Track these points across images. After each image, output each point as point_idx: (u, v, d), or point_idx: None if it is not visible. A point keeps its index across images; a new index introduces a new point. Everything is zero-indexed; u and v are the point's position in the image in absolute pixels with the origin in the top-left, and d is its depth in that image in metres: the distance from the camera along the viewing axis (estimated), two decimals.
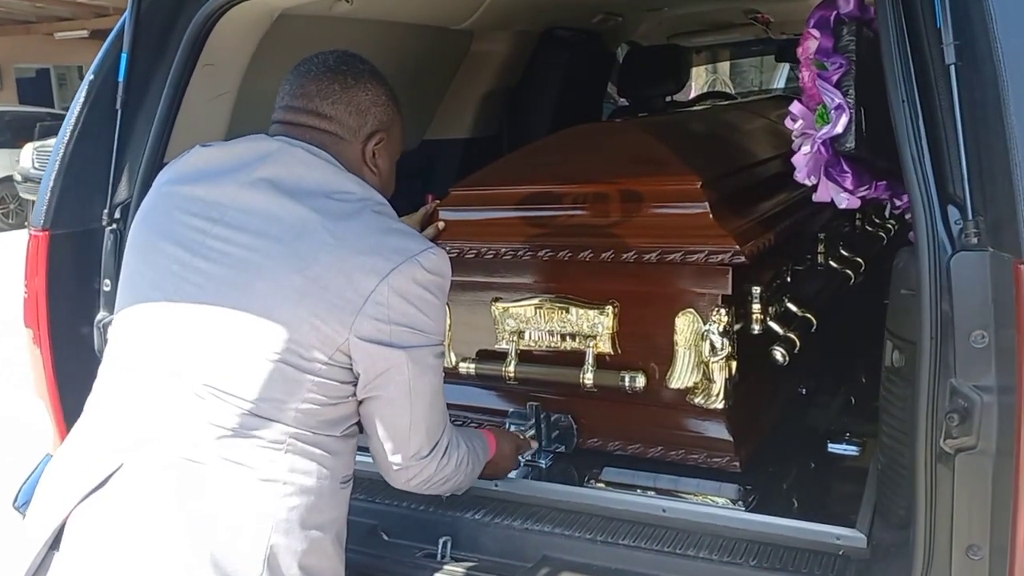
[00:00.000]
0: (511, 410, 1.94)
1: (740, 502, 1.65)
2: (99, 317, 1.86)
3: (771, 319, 1.88)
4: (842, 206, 1.69)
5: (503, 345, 1.94)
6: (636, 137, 2.07)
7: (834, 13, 1.60)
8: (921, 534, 1.29)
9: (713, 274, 1.71)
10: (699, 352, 1.75)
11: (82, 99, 1.89)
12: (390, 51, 2.65)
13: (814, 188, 1.73)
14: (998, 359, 1.21)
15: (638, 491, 1.71)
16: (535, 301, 1.90)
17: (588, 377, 1.82)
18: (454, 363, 1.99)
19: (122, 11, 1.90)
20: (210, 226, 1.32)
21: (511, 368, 1.91)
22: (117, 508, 1.24)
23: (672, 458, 1.81)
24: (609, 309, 1.82)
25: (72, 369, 1.85)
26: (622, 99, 4.21)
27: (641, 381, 1.79)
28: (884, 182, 1.70)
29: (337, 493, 1.34)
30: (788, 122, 1.69)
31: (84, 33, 14.30)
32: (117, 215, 1.88)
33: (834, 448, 1.89)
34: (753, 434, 1.86)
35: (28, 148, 11.70)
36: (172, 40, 1.92)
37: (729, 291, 1.71)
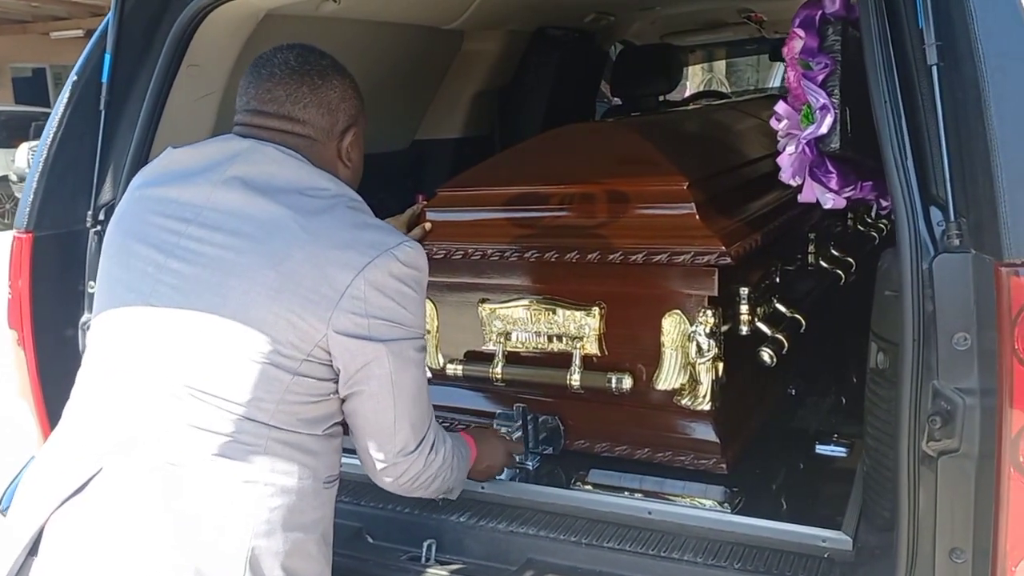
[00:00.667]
0: (498, 412, 1.93)
1: (726, 504, 1.64)
2: (83, 319, 1.85)
3: (759, 320, 1.88)
4: (827, 206, 1.68)
5: (490, 346, 1.93)
6: (623, 137, 2.07)
7: (819, 12, 1.60)
8: (904, 537, 1.29)
9: (699, 275, 1.71)
10: (686, 353, 1.74)
11: (65, 100, 1.88)
12: (379, 51, 2.65)
13: (800, 188, 1.72)
14: (980, 361, 1.20)
15: (624, 493, 1.71)
16: (522, 302, 1.89)
17: (575, 378, 1.81)
18: (441, 364, 1.99)
19: None
20: (183, 227, 1.31)
21: (498, 369, 1.90)
22: (96, 512, 1.23)
23: (659, 460, 1.80)
24: (596, 310, 1.82)
25: (56, 371, 1.84)
26: (615, 98, 4.19)
27: (628, 382, 1.78)
28: (870, 182, 1.70)
29: (320, 493, 1.33)
30: (773, 122, 1.69)
31: (80, 32, 14.27)
32: (101, 216, 1.86)
33: (822, 449, 1.88)
34: (740, 435, 1.86)
35: (23, 148, 11.68)
36: (156, 40, 1.91)
37: (716, 292, 1.71)
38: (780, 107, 1.66)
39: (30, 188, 1.87)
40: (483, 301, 1.93)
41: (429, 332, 2.01)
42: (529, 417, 1.87)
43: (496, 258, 1.86)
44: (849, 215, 2.76)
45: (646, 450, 1.82)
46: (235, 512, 1.23)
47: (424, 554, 1.62)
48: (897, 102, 1.27)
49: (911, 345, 1.25)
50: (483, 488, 1.73)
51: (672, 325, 1.75)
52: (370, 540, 1.70)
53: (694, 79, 7.60)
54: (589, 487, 1.74)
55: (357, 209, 1.34)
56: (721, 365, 1.75)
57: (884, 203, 1.76)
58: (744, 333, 1.84)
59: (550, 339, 1.88)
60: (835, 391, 2.25)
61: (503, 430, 1.85)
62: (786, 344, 1.85)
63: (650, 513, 1.64)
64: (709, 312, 1.71)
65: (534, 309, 1.88)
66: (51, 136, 1.88)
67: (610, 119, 3.52)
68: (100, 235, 1.85)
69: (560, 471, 1.82)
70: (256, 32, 2.08)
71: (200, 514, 1.22)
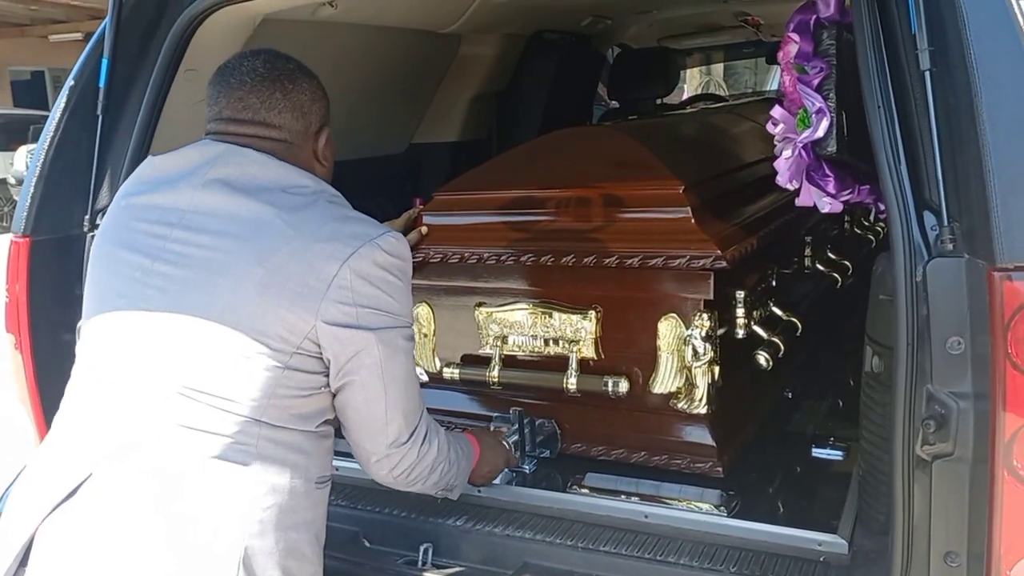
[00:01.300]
0: (495, 415, 1.93)
1: (722, 508, 1.65)
2: (80, 323, 1.85)
3: (755, 323, 1.88)
4: (824, 210, 1.69)
5: (487, 350, 1.94)
6: (619, 141, 2.07)
7: (814, 17, 1.60)
8: (899, 541, 1.29)
9: (695, 279, 1.71)
10: (682, 357, 1.74)
11: (63, 105, 1.89)
12: (376, 55, 2.65)
13: (797, 192, 1.73)
14: (974, 365, 1.21)
15: (621, 497, 1.70)
16: (519, 306, 1.89)
17: (571, 382, 1.81)
18: (438, 368, 1.99)
19: None
20: (169, 231, 1.32)
21: (495, 373, 1.90)
22: (87, 518, 1.24)
23: (655, 463, 1.80)
24: (592, 314, 1.82)
25: (54, 375, 1.83)
26: (613, 102, 4.20)
27: (624, 386, 1.78)
28: (867, 186, 1.70)
29: (313, 493, 1.34)
30: (770, 126, 1.69)
31: (78, 36, 14.26)
32: (98, 221, 1.86)
33: (818, 452, 1.88)
34: (737, 439, 1.86)
35: (22, 151, 11.69)
36: (153, 45, 1.91)
37: (711, 296, 1.71)
38: (776, 111, 1.66)
39: (27, 192, 1.88)
40: (480, 305, 1.94)
41: (426, 336, 2.01)
42: (526, 421, 1.87)
43: (493, 262, 1.86)
44: (846, 218, 2.77)
45: (642, 454, 1.82)
46: (228, 512, 1.24)
47: (420, 558, 1.62)
48: (890, 107, 1.28)
49: (905, 349, 1.25)
50: (479, 492, 1.73)
51: (668, 329, 1.75)
52: (367, 544, 1.70)
53: (692, 82, 7.61)
54: (585, 491, 1.74)
55: (337, 203, 1.37)
56: (717, 369, 1.75)
57: (882, 206, 1.76)
58: (740, 337, 1.85)
59: (546, 343, 1.88)
60: (831, 394, 2.25)
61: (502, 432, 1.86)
62: (782, 347, 1.86)
63: (646, 517, 1.64)
64: (705, 316, 1.71)
65: (530, 313, 1.88)
66: (48, 141, 1.88)
67: (607, 123, 3.52)
68: None
69: (556, 475, 1.82)
70: (253, 37, 2.08)
71: (193, 516, 1.23)
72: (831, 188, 1.67)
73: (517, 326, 1.90)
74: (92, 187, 1.88)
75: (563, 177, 1.91)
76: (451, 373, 1.96)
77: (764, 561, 1.53)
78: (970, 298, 1.20)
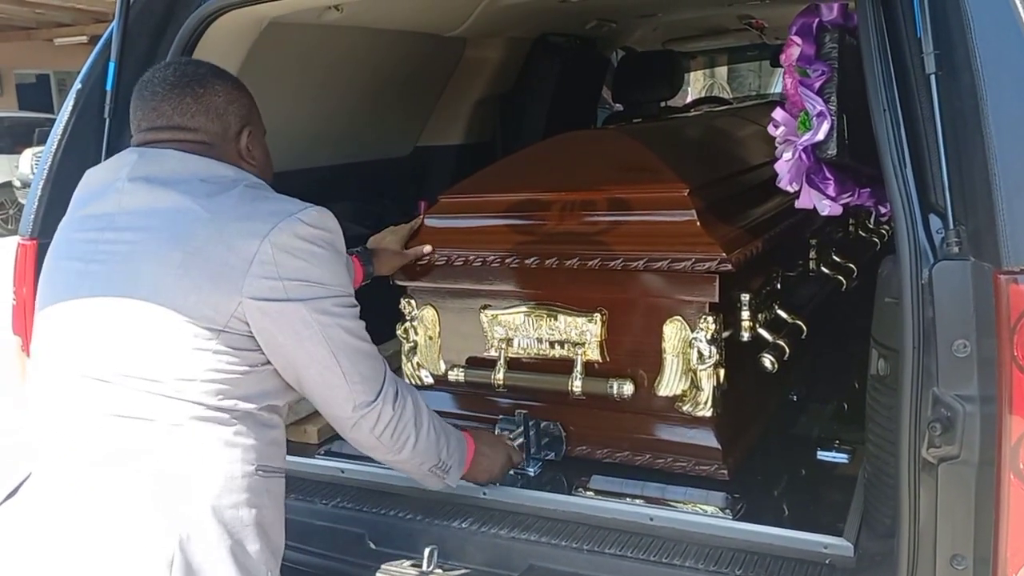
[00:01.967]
0: (500, 417, 1.94)
1: (728, 510, 1.65)
2: None
3: (760, 326, 1.88)
4: (824, 213, 1.69)
5: (492, 353, 1.94)
6: (624, 144, 2.07)
7: (816, 20, 1.60)
8: (905, 544, 1.29)
9: (700, 282, 1.71)
10: (687, 360, 1.75)
11: (70, 108, 1.90)
12: (382, 59, 2.66)
13: (798, 195, 1.73)
14: (980, 368, 1.21)
15: (626, 499, 1.71)
16: (524, 309, 1.90)
17: (576, 385, 1.82)
18: (443, 371, 1.99)
19: None
20: (100, 235, 1.37)
21: (500, 376, 1.90)
22: (26, 517, 1.28)
23: (660, 466, 1.80)
24: (597, 317, 1.82)
25: None
26: (617, 104, 4.21)
27: (629, 389, 1.78)
28: (868, 189, 1.70)
29: (254, 481, 1.32)
30: (771, 128, 1.69)
31: (84, 39, 14.32)
32: None
33: (823, 455, 1.88)
34: (742, 442, 1.86)
35: (27, 154, 11.75)
36: (161, 49, 1.92)
37: (716, 299, 1.71)
38: (777, 114, 1.67)
39: (35, 195, 1.89)
40: (485, 307, 1.94)
41: (431, 338, 2.01)
42: (531, 423, 1.87)
43: (498, 264, 1.86)
44: (851, 221, 2.76)
45: (647, 456, 1.82)
46: (163, 500, 1.25)
47: (426, 560, 1.62)
48: (896, 111, 1.28)
49: (911, 352, 1.25)
50: (484, 494, 1.73)
51: (673, 331, 1.75)
52: (372, 546, 1.71)
53: (696, 85, 7.61)
54: (591, 493, 1.74)
55: (257, 188, 1.39)
56: (722, 371, 1.75)
57: (883, 209, 1.76)
58: (745, 339, 1.84)
59: (552, 345, 1.88)
60: (837, 397, 2.25)
61: (505, 435, 1.86)
62: (787, 350, 1.86)
63: (651, 519, 1.64)
64: (710, 318, 1.71)
65: (536, 315, 1.88)
66: (56, 144, 1.89)
67: (611, 126, 3.53)
68: None
69: (562, 477, 1.83)
70: (259, 40, 2.09)
71: (128, 508, 1.24)
72: (831, 191, 1.67)
73: (522, 329, 1.90)
74: None
75: (568, 180, 1.91)
76: (456, 375, 1.96)
77: (769, 564, 1.53)
78: (976, 301, 1.20)
